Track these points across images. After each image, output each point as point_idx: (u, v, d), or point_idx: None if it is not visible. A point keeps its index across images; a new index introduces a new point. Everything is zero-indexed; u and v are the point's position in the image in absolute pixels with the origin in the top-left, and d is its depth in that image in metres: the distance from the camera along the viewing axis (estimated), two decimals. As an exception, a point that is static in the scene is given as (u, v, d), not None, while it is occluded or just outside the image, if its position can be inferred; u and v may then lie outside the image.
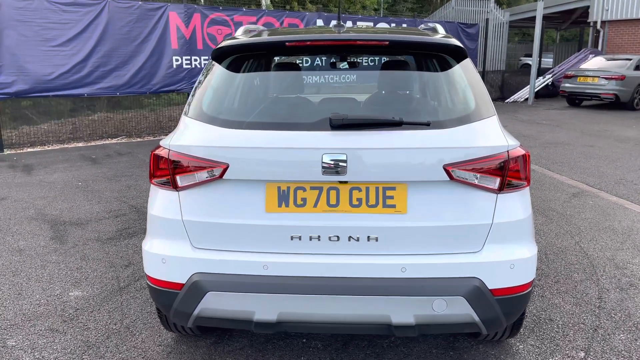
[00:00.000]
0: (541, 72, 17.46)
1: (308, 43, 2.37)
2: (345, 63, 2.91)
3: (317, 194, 2.14)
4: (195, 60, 10.17)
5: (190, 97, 2.49)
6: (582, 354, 2.71)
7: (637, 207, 5.33)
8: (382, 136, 2.13)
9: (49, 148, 8.72)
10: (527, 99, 16.09)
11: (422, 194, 2.13)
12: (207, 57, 10.13)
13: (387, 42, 2.33)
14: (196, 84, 2.54)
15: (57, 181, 6.38)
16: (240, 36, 2.68)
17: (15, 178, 6.56)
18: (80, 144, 9.09)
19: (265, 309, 2.15)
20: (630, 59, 14.38)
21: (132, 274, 3.68)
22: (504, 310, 2.16)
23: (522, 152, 2.19)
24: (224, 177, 2.14)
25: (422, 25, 3.23)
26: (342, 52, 2.76)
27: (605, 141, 9.21)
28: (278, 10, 12.44)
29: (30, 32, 8.27)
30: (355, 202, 2.13)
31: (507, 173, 2.13)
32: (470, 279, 2.10)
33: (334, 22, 2.92)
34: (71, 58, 8.72)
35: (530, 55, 18.46)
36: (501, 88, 16.93)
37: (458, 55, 2.39)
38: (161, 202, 2.26)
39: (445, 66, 2.44)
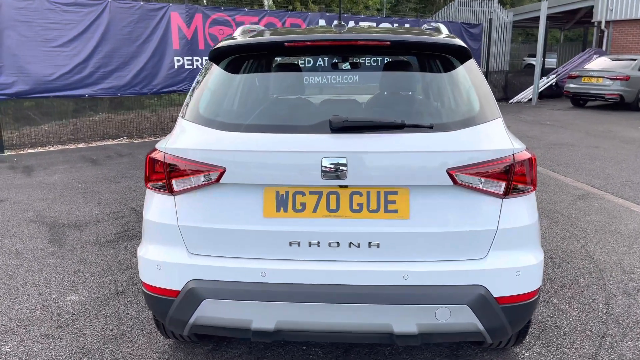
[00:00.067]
0: (545, 72, 17.36)
1: (308, 43, 2.31)
2: (347, 64, 2.85)
3: (317, 199, 2.07)
4: (197, 60, 10.14)
5: (187, 98, 2.43)
6: (589, 363, 2.64)
7: (644, 209, 5.26)
8: (383, 139, 2.06)
9: (50, 149, 8.69)
10: (530, 100, 16.00)
11: (424, 198, 2.07)
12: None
13: (389, 42, 2.27)
14: (193, 85, 2.49)
15: (56, 183, 6.33)
16: (239, 36, 2.62)
17: (15, 179, 6.52)
18: (81, 145, 9.06)
19: (263, 317, 2.09)
20: (635, 59, 14.27)
21: (130, 278, 3.63)
22: (510, 319, 2.10)
23: (528, 155, 2.12)
24: (220, 181, 2.08)
25: (425, 25, 3.16)
26: (343, 52, 2.69)
27: (611, 142, 9.12)
28: (280, 11, 12.38)
29: (30, 33, 8.24)
30: (355, 207, 2.07)
31: (512, 177, 2.07)
32: (475, 286, 2.04)
33: (336, 22, 2.85)
34: (72, 59, 8.69)
35: (533, 56, 18.36)
36: (505, 88, 16.85)
37: (462, 55, 2.33)
38: (157, 206, 2.21)
39: (448, 67, 2.37)
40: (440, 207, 2.08)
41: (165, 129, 10.16)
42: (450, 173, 2.02)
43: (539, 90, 16.19)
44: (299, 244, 2.08)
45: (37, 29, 8.29)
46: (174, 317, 2.16)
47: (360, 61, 3.39)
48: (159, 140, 2.31)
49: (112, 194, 5.78)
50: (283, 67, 3.29)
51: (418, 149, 2.05)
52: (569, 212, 5.14)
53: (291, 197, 2.08)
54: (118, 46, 9.12)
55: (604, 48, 18.18)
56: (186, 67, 10.01)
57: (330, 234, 2.06)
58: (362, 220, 2.06)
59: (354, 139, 2.05)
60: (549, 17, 17.60)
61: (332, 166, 2.00)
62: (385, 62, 3.06)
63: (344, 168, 2.00)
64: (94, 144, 9.17)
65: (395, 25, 13.03)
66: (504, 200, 2.08)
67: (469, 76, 2.32)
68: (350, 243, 2.06)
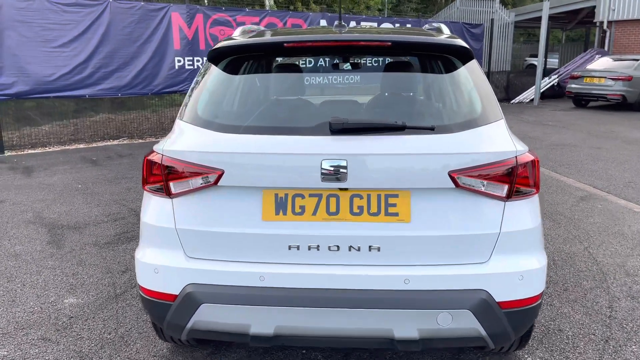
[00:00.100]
0: (547, 72, 17.32)
1: (307, 44, 2.28)
2: (348, 64, 2.81)
3: (316, 202, 2.04)
4: (198, 61, 10.12)
5: (185, 99, 2.40)
6: (593, 367, 2.61)
7: (647, 211, 5.22)
8: (384, 141, 2.03)
9: (50, 150, 8.67)
10: (532, 100, 15.95)
11: (426, 201, 2.04)
12: (209, 58, 10.05)
13: (390, 43, 2.24)
14: (192, 86, 2.46)
15: (56, 183, 6.31)
16: (238, 37, 2.59)
17: (15, 180, 6.50)
18: (81, 146, 9.04)
19: (261, 322, 2.06)
20: (637, 60, 14.20)
21: (128, 280, 3.60)
22: (512, 324, 2.06)
23: (531, 157, 2.09)
24: (219, 184, 2.05)
25: (427, 26, 3.12)
26: (343, 52, 2.66)
27: (613, 143, 9.07)
28: (281, 11, 12.36)
29: (31, 33, 8.22)
30: (356, 210, 2.04)
31: (515, 180, 2.03)
32: (477, 291, 2.01)
33: (336, 23, 2.81)
34: (72, 59, 8.67)
35: (535, 56, 18.31)
36: (506, 89, 16.80)
37: (463, 56, 2.29)
38: (154, 209, 2.18)
39: (450, 67, 2.34)
40: (442, 210, 2.04)
41: (166, 129, 10.13)
42: (452, 176, 1.99)
43: (541, 91, 16.15)
44: (298, 247, 2.04)
45: (38, 30, 8.27)
46: (172, 321, 2.13)
47: (361, 62, 3.36)
48: (160, 141, 2.28)
49: (112, 195, 5.76)
50: (283, 68, 3.26)
51: (419, 151, 2.02)
52: (572, 214, 5.10)
53: (290, 199, 2.05)
54: (118, 46, 9.10)
55: (606, 48, 18.11)
56: (187, 67, 9.99)
57: (330, 238, 2.03)
58: (362, 224, 2.03)
59: (354, 141, 2.02)
60: (551, 17, 17.54)
61: (332, 168, 1.97)
62: (387, 62, 3.03)
63: (344, 170, 1.97)
64: (94, 145, 9.14)
65: (397, 25, 13.00)
66: (506, 203, 2.05)
67: (470, 77, 2.29)
68: (351, 247, 2.03)
